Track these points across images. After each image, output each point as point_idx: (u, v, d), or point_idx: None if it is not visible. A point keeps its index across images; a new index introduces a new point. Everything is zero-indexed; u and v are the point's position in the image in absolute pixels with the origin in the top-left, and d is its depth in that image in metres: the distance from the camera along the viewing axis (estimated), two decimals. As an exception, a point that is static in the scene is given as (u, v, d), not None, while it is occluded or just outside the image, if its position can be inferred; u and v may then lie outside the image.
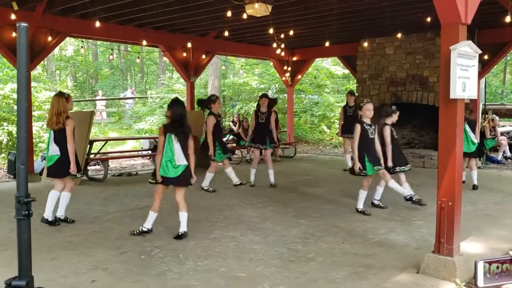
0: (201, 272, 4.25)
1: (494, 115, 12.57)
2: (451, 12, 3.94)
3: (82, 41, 11.39)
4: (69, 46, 30.41)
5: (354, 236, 5.41)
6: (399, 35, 11.29)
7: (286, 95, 16.55)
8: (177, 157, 5.20)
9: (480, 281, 1.37)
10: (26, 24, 1.77)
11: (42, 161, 10.65)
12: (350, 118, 10.30)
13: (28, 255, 1.87)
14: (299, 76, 15.12)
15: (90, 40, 11.60)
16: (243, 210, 6.74)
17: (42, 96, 13.89)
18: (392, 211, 6.67)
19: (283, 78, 14.91)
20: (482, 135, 11.86)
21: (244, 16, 8.01)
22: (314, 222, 6.04)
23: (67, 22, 9.51)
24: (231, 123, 14.29)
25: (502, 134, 12.98)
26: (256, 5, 7.76)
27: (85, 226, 5.87)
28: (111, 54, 11.56)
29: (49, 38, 9.43)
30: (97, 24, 9.51)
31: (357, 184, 8.84)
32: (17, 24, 1.76)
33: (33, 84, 12.97)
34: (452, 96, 3.94)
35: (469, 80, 4.08)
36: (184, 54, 12.10)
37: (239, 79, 19.89)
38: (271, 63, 15.76)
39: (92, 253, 4.77)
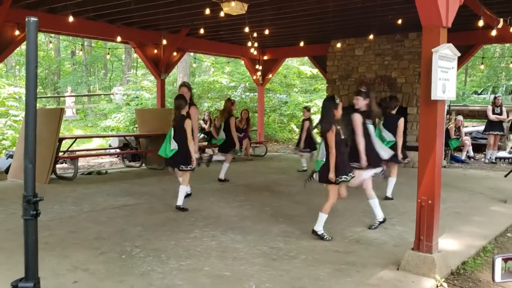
0: (185, 271, 4.22)
1: (459, 116, 12.98)
2: (433, 16, 4.05)
3: (51, 36, 11.09)
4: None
5: (332, 234, 5.46)
6: (370, 36, 11.50)
7: (256, 94, 16.59)
8: (171, 142, 6.37)
9: (498, 277, 1.42)
10: (36, 19, 1.72)
11: (7, 159, 10.31)
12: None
13: (35, 256, 1.83)
14: (270, 75, 15.19)
15: (52, 35, 11.23)
16: (221, 209, 6.73)
17: (5, 92, 13.43)
18: (366, 209, 6.78)
19: (254, 77, 14.94)
20: (447, 135, 12.22)
21: (222, 14, 7.98)
22: (292, 220, 6.10)
23: (35, 16, 9.21)
24: (201, 121, 14.20)
25: (465, 134, 13.42)
26: (233, 3, 7.76)
27: (60, 226, 5.72)
28: (80, 50, 11.28)
29: (17, 32, 9.14)
30: (67, 19, 9.26)
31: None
32: (26, 19, 1.71)
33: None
34: (433, 98, 4.05)
35: (448, 82, 4.21)
36: (155, 51, 11.96)
37: (209, 77, 19.80)
38: (242, 62, 15.77)
39: (71, 254, 4.66)
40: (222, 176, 9.25)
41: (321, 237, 5.19)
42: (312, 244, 5.05)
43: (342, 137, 5.11)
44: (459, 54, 4.31)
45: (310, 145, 10.39)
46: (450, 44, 4.11)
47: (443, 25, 4.07)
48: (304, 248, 4.93)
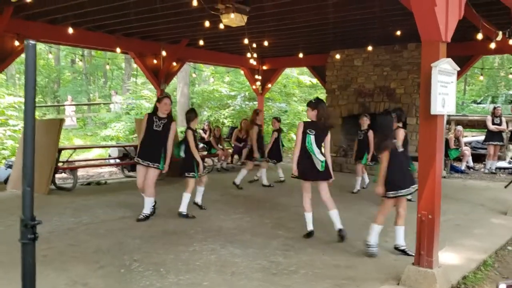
0: (183, 286, 4.20)
1: (458, 126, 12.99)
2: (433, 31, 4.06)
3: (51, 47, 11.13)
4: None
5: (333, 247, 5.46)
6: (369, 47, 11.53)
7: (256, 103, 16.61)
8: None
9: (501, 305, 1.41)
10: (34, 42, 1.72)
11: (6, 169, 10.29)
12: (361, 143, 9.19)
13: (32, 279, 1.81)
14: (269, 85, 15.20)
15: (53, 44, 11.27)
16: (220, 221, 6.70)
17: (4, 101, 13.44)
18: (365, 222, 6.76)
19: (254, 87, 14.96)
20: (446, 145, 12.22)
21: (221, 26, 7.99)
22: (292, 233, 6.07)
23: (35, 27, 9.25)
24: (201, 131, 14.19)
25: (465, 144, 13.42)
26: (232, 15, 7.76)
27: (59, 238, 5.69)
28: (80, 60, 11.32)
29: (16, 43, 9.14)
30: (67, 30, 9.28)
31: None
32: (25, 42, 1.71)
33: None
34: (432, 112, 4.05)
35: (448, 96, 4.21)
36: (155, 61, 11.97)
37: (209, 86, 19.84)
38: (242, 71, 15.79)
39: (70, 268, 4.63)
40: (238, 181, 9.56)
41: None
42: (312, 258, 5.03)
43: (399, 150, 5.12)
44: (458, 69, 4.33)
45: (276, 156, 10.17)
46: (450, 59, 4.12)
47: (442, 39, 4.08)
48: (304, 262, 4.90)
